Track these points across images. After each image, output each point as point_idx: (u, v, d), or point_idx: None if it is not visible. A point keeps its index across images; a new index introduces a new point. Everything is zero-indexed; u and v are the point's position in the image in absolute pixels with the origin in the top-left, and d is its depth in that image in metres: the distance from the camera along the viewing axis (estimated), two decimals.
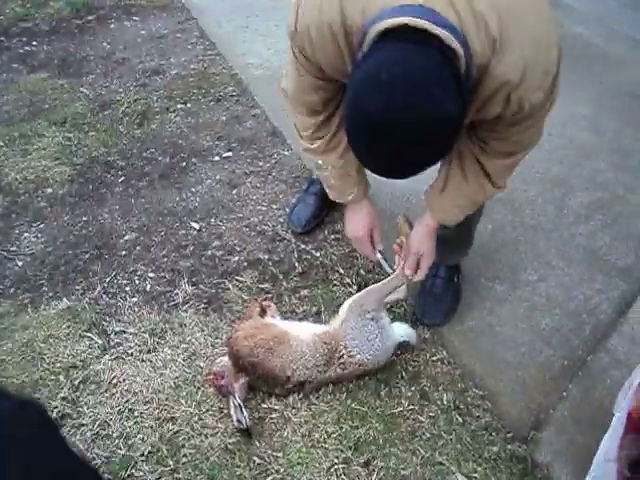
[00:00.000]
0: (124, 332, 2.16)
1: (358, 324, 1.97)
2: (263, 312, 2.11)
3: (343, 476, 1.83)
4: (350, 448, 1.89)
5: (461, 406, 2.01)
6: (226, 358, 2.00)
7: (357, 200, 1.93)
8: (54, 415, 1.93)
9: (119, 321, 2.20)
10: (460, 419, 1.98)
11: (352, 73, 1.29)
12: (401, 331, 2.09)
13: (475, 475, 1.85)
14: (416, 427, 1.95)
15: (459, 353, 2.15)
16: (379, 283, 2.04)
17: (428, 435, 1.93)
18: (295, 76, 1.65)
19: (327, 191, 1.96)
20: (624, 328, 2.23)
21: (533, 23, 1.37)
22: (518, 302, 2.31)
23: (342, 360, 1.96)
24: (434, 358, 2.13)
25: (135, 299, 2.27)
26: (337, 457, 1.87)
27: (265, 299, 2.22)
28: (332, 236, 2.52)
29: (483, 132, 1.58)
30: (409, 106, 1.17)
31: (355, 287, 2.32)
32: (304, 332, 2.00)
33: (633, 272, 2.41)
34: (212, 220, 2.56)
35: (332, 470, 1.84)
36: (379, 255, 2.06)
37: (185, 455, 1.86)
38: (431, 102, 1.18)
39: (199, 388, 2.02)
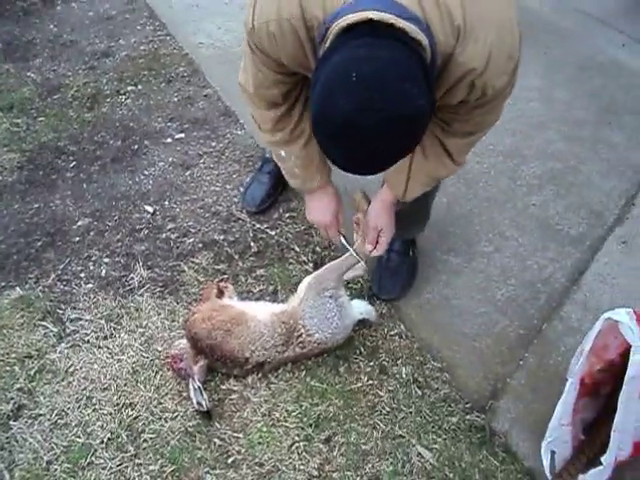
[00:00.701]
0: (80, 319, 2.13)
1: (317, 302, 1.97)
2: (220, 293, 2.10)
3: (304, 454, 1.84)
4: (311, 425, 1.90)
5: (420, 379, 2.03)
6: (184, 341, 1.99)
7: (321, 187, 1.90)
8: (10, 407, 1.91)
9: (74, 308, 2.16)
10: (419, 392, 2.00)
11: (317, 69, 1.25)
12: (360, 308, 2.10)
13: (435, 446, 1.88)
14: (376, 402, 1.97)
15: (416, 326, 2.17)
16: (337, 260, 2.04)
17: (388, 409, 1.96)
18: (254, 71, 1.61)
19: (289, 181, 1.92)
20: (577, 296, 2.27)
21: (496, 9, 1.36)
22: (474, 274, 2.34)
23: (301, 339, 1.96)
24: (392, 332, 2.15)
25: (90, 285, 2.24)
26: (298, 435, 1.88)
27: (222, 280, 2.21)
28: (287, 214, 2.51)
29: (445, 114, 1.58)
30: (381, 105, 1.14)
31: (311, 265, 2.32)
32: (262, 312, 2.00)
33: (585, 241, 2.45)
34: (166, 203, 2.53)
35: (293, 448, 1.85)
36: (342, 238, 2.05)
37: (145, 440, 1.86)
38: (403, 100, 1.16)
39: (157, 372, 2.01)
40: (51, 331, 2.10)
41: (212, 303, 2.03)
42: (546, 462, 1.77)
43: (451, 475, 1.82)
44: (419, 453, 1.86)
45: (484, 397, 2.00)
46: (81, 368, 2.01)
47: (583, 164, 2.75)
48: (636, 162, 2.76)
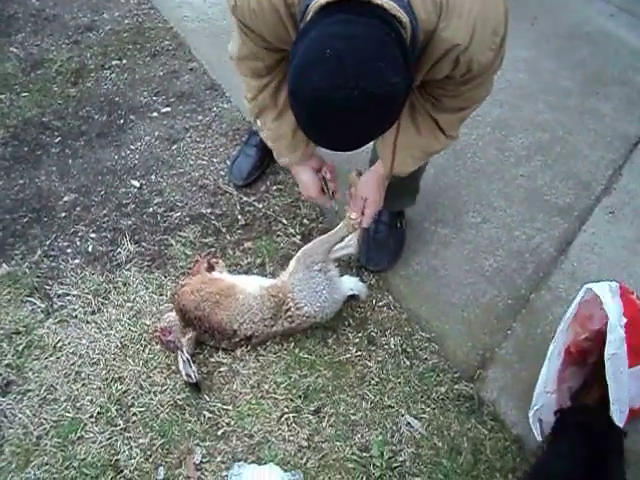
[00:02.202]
0: (67, 295, 2.12)
1: (305, 276, 1.97)
2: (211, 269, 2.09)
3: (294, 425, 1.85)
4: (300, 397, 1.91)
5: (408, 349, 2.04)
6: (173, 314, 1.99)
7: (297, 162, 1.92)
8: None
9: (62, 284, 2.15)
10: (408, 362, 2.01)
11: (295, 44, 1.24)
12: (350, 284, 2.10)
13: (424, 416, 1.89)
14: (365, 372, 1.98)
15: (405, 297, 2.18)
16: (326, 234, 2.03)
17: (376, 380, 1.97)
18: (239, 42, 1.64)
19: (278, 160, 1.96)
20: (565, 265, 2.28)
21: None
22: (462, 244, 2.34)
23: (289, 313, 1.96)
24: (380, 303, 2.16)
25: (77, 261, 2.23)
26: (287, 406, 1.89)
27: (209, 254, 2.21)
28: (274, 187, 2.50)
29: (434, 90, 1.58)
30: (354, 83, 1.13)
31: (299, 237, 2.32)
32: (251, 285, 2.00)
33: (573, 211, 2.46)
34: (152, 177, 2.51)
35: (283, 419, 1.86)
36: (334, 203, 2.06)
37: (135, 414, 1.86)
38: (377, 78, 1.15)
39: (146, 346, 2.01)
40: (39, 307, 2.09)
41: (202, 276, 2.03)
42: (535, 429, 1.79)
43: (440, 444, 1.84)
44: (408, 422, 1.88)
45: (472, 367, 2.01)
46: (69, 343, 2.01)
47: (570, 134, 2.75)
48: (623, 132, 2.75)
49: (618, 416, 1.67)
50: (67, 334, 2.03)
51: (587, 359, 1.88)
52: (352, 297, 2.11)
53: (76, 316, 2.07)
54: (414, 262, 2.28)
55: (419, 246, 2.32)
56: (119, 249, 2.26)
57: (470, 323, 2.12)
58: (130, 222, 2.35)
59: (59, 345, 2.01)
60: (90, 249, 2.26)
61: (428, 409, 1.91)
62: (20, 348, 1.99)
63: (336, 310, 2.04)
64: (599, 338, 1.83)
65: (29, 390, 1.91)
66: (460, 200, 2.48)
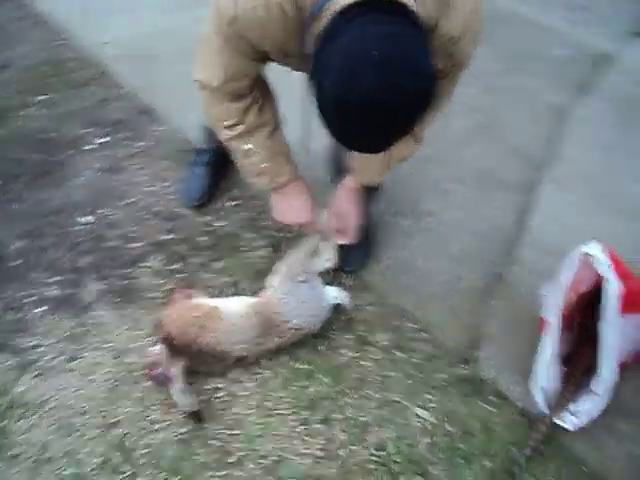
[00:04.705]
0: (39, 346, 2.00)
1: (291, 288, 1.94)
2: (188, 297, 2.02)
3: (306, 437, 1.82)
4: (305, 408, 1.88)
5: (400, 343, 2.05)
6: (158, 346, 1.91)
7: (292, 180, 1.87)
8: None
9: (31, 335, 2.02)
10: (403, 355, 2.02)
11: (322, 51, 1.23)
12: (334, 293, 2.09)
13: (431, 405, 1.90)
14: (363, 373, 1.97)
15: (385, 293, 2.19)
16: (304, 244, 2.01)
17: (377, 378, 1.96)
18: (224, 64, 1.56)
19: (255, 181, 1.86)
20: (528, 238, 2.35)
21: None
22: (425, 233, 2.38)
23: (278, 329, 1.91)
24: (363, 303, 2.15)
25: (42, 308, 2.10)
26: (295, 420, 1.85)
27: (183, 282, 2.15)
28: (231, 203, 2.46)
29: None
30: (404, 81, 1.15)
31: (269, 249, 2.28)
32: (236, 305, 1.94)
33: (524, 184, 2.54)
34: (103, 210, 2.41)
35: (293, 434, 1.82)
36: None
37: (140, 457, 1.77)
38: (422, 73, 1.19)
39: (136, 385, 1.92)
40: (11, 364, 1.95)
41: (183, 303, 1.96)
42: (539, 399, 1.84)
43: (452, 429, 1.85)
44: (417, 414, 1.88)
45: (465, 349, 2.04)
46: (53, 396, 1.89)
47: (506, 112, 2.85)
48: (554, 104, 2.88)
49: (608, 373, 1.76)
50: (48, 387, 1.91)
51: (574, 322, 1.94)
52: (337, 305, 2.10)
53: (53, 367, 1.95)
54: (385, 257, 2.29)
55: (385, 240, 2.34)
56: (84, 289, 2.15)
57: (453, 308, 2.15)
58: (89, 260, 2.24)
59: (42, 400, 1.88)
60: (53, 294, 2.14)
61: (433, 398, 1.92)
62: (1, 410, 1.86)
63: (324, 319, 2.02)
64: (582, 300, 1.91)
65: (20, 453, 1.77)
66: (414, 190, 2.52)
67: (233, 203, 2.45)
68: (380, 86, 1.15)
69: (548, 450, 1.79)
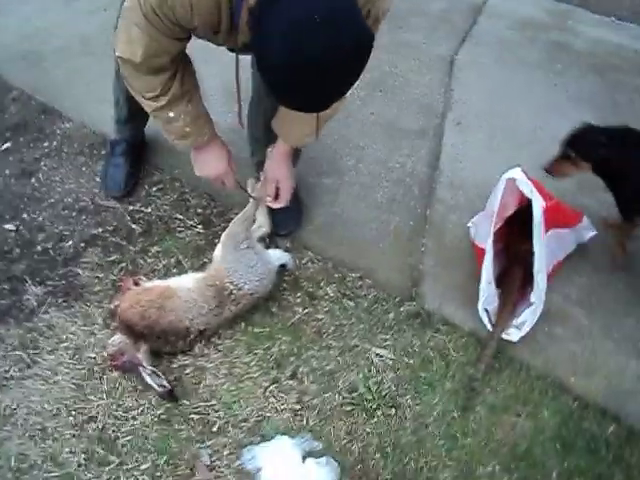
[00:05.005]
0: None
1: (236, 256, 2.01)
2: (136, 285, 2.04)
3: (279, 394, 1.91)
4: (272, 368, 1.97)
5: (347, 292, 2.17)
6: (117, 336, 1.92)
7: (211, 138, 1.94)
8: None
9: None
10: (352, 303, 2.14)
11: (262, 20, 1.28)
12: (277, 255, 2.17)
13: (387, 343, 2.04)
14: (319, 326, 2.08)
15: (322, 249, 2.29)
16: (240, 213, 2.07)
17: (332, 328, 2.08)
18: (146, 41, 1.59)
19: (178, 143, 1.91)
20: (442, 178, 2.52)
21: None
22: (349, 187, 2.50)
23: (233, 296, 1.98)
24: (303, 261, 2.26)
25: None
26: (266, 381, 1.94)
27: (128, 272, 2.16)
28: (154, 188, 2.46)
29: None
30: (347, 39, 1.23)
31: (200, 226, 2.33)
32: (187, 282, 2.00)
33: (428, 131, 2.72)
34: (25, 215, 2.34)
35: (267, 393, 1.91)
36: (239, 185, 2.10)
37: (123, 445, 1.80)
38: (361, 31, 1.28)
39: (102, 378, 1.93)
40: None
41: (134, 290, 1.98)
42: (485, 319, 2.01)
43: (411, 361, 1.99)
44: (377, 354, 2.01)
45: (407, 287, 2.19)
46: (19, 405, 1.86)
47: (396, 67, 3.00)
48: (438, 54, 3.07)
49: (541, 284, 1.96)
50: (12, 397, 1.88)
51: (502, 245, 2.13)
52: (282, 266, 2.18)
53: (12, 376, 1.92)
54: (316, 215, 2.39)
55: (314, 200, 2.43)
56: (25, 296, 2.11)
57: (388, 252, 2.29)
58: (23, 266, 2.19)
59: (9, 412, 1.85)
60: None
61: (388, 336, 2.05)
62: None
63: (273, 281, 2.10)
64: (506, 223, 2.09)
65: None
66: (329, 150, 2.61)
67: (156, 188, 2.45)
68: (326, 47, 1.22)
69: (499, 363, 1.98)
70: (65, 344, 1.99)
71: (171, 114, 1.79)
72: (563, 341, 2.04)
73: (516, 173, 1.89)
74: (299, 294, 2.15)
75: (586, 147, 2.05)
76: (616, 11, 3.41)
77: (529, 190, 1.86)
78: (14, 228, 2.31)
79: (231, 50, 1.72)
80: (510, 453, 1.81)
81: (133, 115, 2.34)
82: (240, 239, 2.02)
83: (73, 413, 1.85)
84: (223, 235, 2.05)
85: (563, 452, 1.81)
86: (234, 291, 1.98)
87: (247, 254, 2.02)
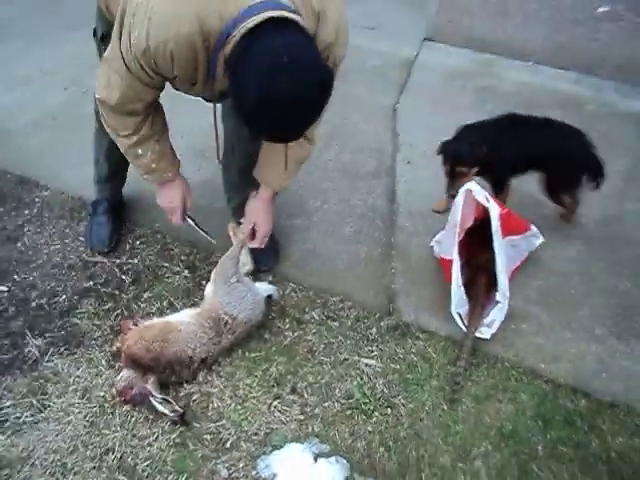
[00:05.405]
0: (2, 408, 2.03)
1: (227, 290, 2.18)
2: (136, 326, 2.17)
3: (283, 407, 2.06)
4: (273, 386, 2.12)
5: (331, 314, 2.36)
6: (125, 372, 2.04)
7: (174, 176, 2.13)
8: None
9: None
10: (336, 323, 2.33)
11: (237, 65, 1.51)
12: (264, 287, 2.37)
13: (374, 354, 2.23)
14: (310, 345, 2.25)
15: (303, 279, 2.49)
16: (227, 253, 2.25)
17: (322, 346, 2.25)
18: (123, 89, 1.79)
19: (145, 177, 2.10)
20: (401, 209, 2.79)
21: None
22: (318, 225, 2.72)
23: (229, 326, 2.14)
24: (287, 291, 2.44)
25: None
26: (269, 398, 2.09)
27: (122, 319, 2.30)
28: (137, 242, 2.63)
29: None
30: (313, 77, 1.48)
31: (187, 270, 2.49)
32: (185, 317, 2.15)
33: (381, 171, 3.00)
34: (15, 277, 2.45)
35: (272, 408, 2.06)
36: (190, 220, 2.30)
37: (144, 470, 1.90)
38: (324, 70, 1.54)
39: (113, 413, 2.03)
40: None
41: (135, 329, 2.11)
42: (459, 321, 2.23)
43: (398, 367, 2.18)
44: (366, 364, 2.19)
45: (385, 304, 2.40)
46: (35, 447, 1.94)
47: (347, 118, 3.29)
48: (383, 103, 3.40)
49: (504, 284, 2.21)
50: (27, 440, 1.95)
51: (465, 255, 2.37)
52: (268, 297, 2.36)
53: (25, 421, 2.00)
54: (291, 252, 2.59)
55: (288, 239, 2.64)
56: (27, 348, 2.20)
57: (362, 276, 2.50)
58: (20, 322, 2.29)
59: (25, 454, 1.92)
60: None
61: (374, 348, 2.24)
62: None
63: (263, 310, 2.28)
64: (467, 235, 2.33)
65: None
66: (297, 194, 2.84)
67: (139, 241, 2.61)
68: (294, 84, 1.46)
69: (476, 359, 2.20)
70: (73, 387, 2.09)
71: (140, 151, 2.00)
72: (529, 335, 2.28)
73: (472, 185, 2.16)
74: (287, 320, 2.33)
75: (469, 156, 2.43)
76: (533, 56, 3.83)
77: (485, 199, 2.13)
78: (6, 289, 2.41)
79: (207, 100, 1.94)
80: (499, 434, 2.00)
81: (114, 173, 2.54)
82: (229, 274, 2.20)
83: (90, 447, 1.94)
84: (213, 273, 2.23)
85: (544, 427, 2.02)
86: (229, 321, 2.14)
87: (238, 287, 2.20)
